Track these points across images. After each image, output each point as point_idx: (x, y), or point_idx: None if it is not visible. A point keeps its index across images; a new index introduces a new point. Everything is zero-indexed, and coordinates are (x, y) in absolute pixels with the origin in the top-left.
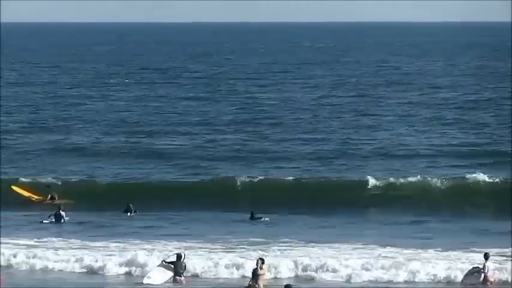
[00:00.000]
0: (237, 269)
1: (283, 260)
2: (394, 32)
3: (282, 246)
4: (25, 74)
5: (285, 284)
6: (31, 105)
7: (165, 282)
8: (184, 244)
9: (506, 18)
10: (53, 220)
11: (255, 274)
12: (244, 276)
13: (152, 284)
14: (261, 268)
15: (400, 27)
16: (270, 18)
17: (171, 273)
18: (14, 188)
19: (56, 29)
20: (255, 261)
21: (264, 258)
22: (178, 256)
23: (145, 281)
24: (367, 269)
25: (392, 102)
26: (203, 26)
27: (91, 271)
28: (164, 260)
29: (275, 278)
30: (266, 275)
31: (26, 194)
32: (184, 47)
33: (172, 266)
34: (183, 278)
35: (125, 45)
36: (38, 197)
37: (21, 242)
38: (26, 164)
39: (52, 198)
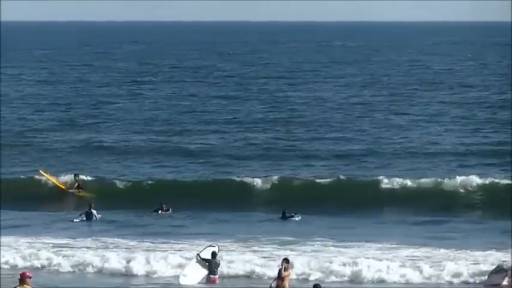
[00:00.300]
0: (266, 268)
1: (312, 260)
2: (410, 32)
3: (313, 245)
4: (56, 72)
5: (314, 283)
6: (62, 104)
7: (200, 281)
8: (217, 243)
9: (506, 18)
10: (84, 218)
11: (280, 274)
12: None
13: (188, 285)
14: (285, 269)
15: (407, 26)
16: (270, 17)
17: (205, 271)
18: (43, 172)
19: (66, 28)
20: (280, 261)
21: (288, 258)
22: (213, 254)
23: (182, 280)
24: (397, 269)
25: (424, 101)
26: (209, 25)
27: (121, 271)
28: (199, 254)
29: (298, 278)
30: (291, 275)
31: (53, 180)
32: (208, 46)
33: (206, 263)
34: (217, 276)
35: (152, 44)
36: (64, 185)
37: (52, 241)
38: (55, 161)
39: (78, 187)
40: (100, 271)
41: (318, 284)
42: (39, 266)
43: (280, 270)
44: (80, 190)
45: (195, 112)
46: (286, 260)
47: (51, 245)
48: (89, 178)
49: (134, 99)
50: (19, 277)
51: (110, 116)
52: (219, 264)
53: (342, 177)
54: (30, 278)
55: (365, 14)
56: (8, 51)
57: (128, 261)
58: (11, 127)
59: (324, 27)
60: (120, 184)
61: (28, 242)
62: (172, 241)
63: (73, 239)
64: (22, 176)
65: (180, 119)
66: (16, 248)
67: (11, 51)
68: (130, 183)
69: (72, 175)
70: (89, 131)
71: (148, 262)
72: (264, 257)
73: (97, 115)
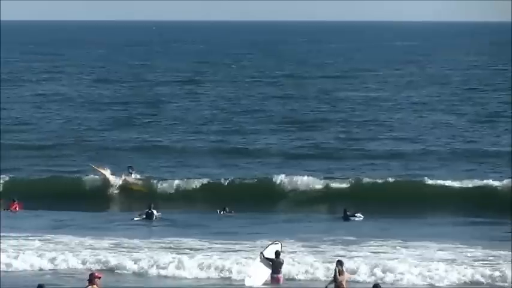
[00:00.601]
0: (326, 269)
1: (373, 260)
2: (452, 32)
3: (374, 245)
4: (114, 71)
5: (374, 283)
6: (119, 103)
7: (264, 282)
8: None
9: (506, 18)
10: (144, 217)
11: (336, 277)
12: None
13: (253, 286)
14: (340, 272)
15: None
16: (267, 17)
17: (269, 271)
18: (94, 167)
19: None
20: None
21: (342, 260)
22: (277, 253)
23: (247, 282)
24: (460, 270)
25: (483, 101)
26: (262, 25)
27: (181, 271)
28: (262, 253)
29: (356, 281)
30: (346, 277)
31: (105, 173)
32: (266, 45)
33: (270, 262)
34: (280, 275)
35: (210, 44)
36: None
37: (112, 241)
38: (113, 161)
39: (131, 179)
40: (161, 271)
41: (378, 284)
42: (99, 266)
43: (335, 273)
44: (130, 182)
45: (253, 111)
46: (340, 262)
47: (111, 244)
48: (144, 177)
49: (192, 99)
50: (88, 277)
51: (168, 115)
52: (282, 263)
53: (400, 177)
54: (99, 278)
55: (365, 14)
56: (66, 50)
57: (188, 261)
58: (69, 126)
59: (370, 27)
60: (178, 184)
61: (88, 242)
62: (233, 241)
63: (133, 238)
64: (73, 176)
65: (238, 118)
66: (73, 248)
67: (69, 50)
68: (189, 183)
69: (127, 167)
70: (147, 131)
71: (208, 262)
72: (325, 258)
73: (155, 114)
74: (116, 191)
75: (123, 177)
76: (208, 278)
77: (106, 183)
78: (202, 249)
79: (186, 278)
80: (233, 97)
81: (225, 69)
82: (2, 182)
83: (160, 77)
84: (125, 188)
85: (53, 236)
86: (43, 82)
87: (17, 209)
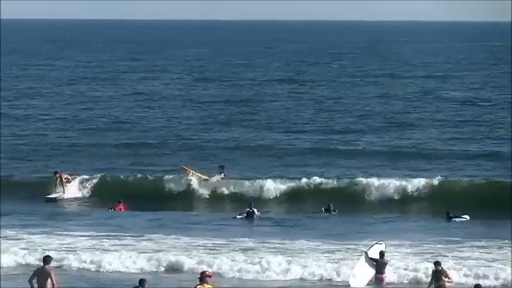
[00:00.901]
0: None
1: (479, 261)
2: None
3: (480, 246)
4: (214, 70)
5: (475, 284)
6: (219, 101)
7: (368, 282)
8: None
9: (506, 18)
10: (245, 215)
11: (439, 278)
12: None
13: (358, 286)
14: (443, 272)
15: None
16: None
17: (373, 271)
18: (185, 167)
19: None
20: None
21: (439, 260)
22: (381, 253)
23: (352, 282)
24: None
25: None
26: (365, 25)
27: (280, 273)
28: (367, 252)
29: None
30: (449, 276)
31: (197, 173)
32: (366, 45)
33: (374, 262)
34: (384, 275)
35: (311, 44)
36: (208, 175)
37: (210, 241)
38: (211, 160)
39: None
40: (260, 273)
41: (479, 285)
42: (194, 265)
43: (435, 274)
44: (213, 181)
45: (354, 111)
46: (438, 263)
47: (213, 244)
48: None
49: (293, 98)
50: (199, 276)
51: (269, 114)
52: (386, 264)
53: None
54: (210, 277)
55: (365, 14)
56: (164, 50)
57: (289, 263)
58: (169, 125)
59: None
60: (279, 183)
61: (190, 242)
62: (339, 242)
63: (233, 238)
64: (163, 176)
65: (339, 118)
66: (175, 248)
67: (167, 50)
68: (289, 182)
69: (219, 166)
70: (247, 130)
71: (314, 263)
72: (429, 259)
73: (255, 113)
74: (206, 192)
75: (213, 177)
76: (314, 279)
77: (195, 183)
78: (308, 250)
79: (291, 279)
80: (334, 96)
81: (325, 69)
82: (98, 177)
83: (261, 76)
84: (215, 188)
85: (154, 235)
86: (143, 81)
87: (122, 210)
